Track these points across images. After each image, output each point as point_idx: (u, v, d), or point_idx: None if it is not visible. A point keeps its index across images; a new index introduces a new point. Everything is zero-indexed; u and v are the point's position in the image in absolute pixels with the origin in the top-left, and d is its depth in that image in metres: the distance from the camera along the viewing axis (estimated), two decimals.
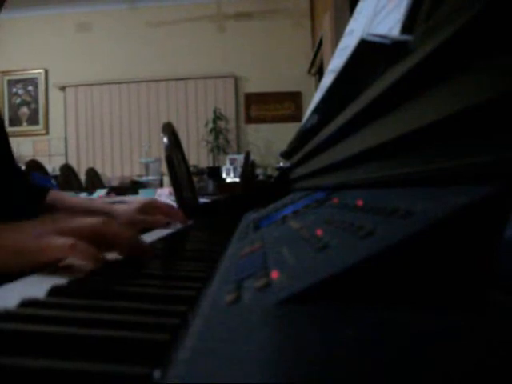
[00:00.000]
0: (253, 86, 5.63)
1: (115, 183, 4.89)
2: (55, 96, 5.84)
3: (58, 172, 4.52)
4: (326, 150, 0.71)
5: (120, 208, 0.93)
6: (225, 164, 4.97)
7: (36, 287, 0.34)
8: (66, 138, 5.82)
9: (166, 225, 0.93)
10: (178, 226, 0.97)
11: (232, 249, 0.49)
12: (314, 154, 0.82)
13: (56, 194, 0.97)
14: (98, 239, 0.45)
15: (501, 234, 0.20)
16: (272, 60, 5.50)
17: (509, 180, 0.21)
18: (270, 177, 4.74)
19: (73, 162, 5.37)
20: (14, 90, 5.87)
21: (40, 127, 5.86)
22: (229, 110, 5.61)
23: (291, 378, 0.15)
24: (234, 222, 0.89)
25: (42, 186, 0.98)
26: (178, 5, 5.64)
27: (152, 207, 0.94)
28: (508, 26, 0.21)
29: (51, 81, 5.83)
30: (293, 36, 5.52)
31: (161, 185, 4.24)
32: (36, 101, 5.88)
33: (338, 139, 0.60)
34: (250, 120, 5.67)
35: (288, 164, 1.35)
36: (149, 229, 0.90)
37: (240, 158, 4.70)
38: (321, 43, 4.26)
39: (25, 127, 5.85)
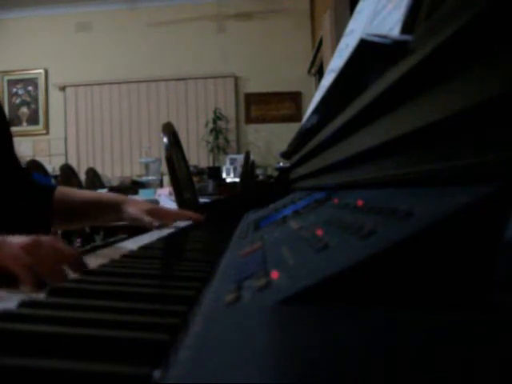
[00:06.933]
0: (253, 86, 5.63)
1: (115, 183, 4.88)
2: (55, 96, 5.83)
3: (58, 172, 4.52)
4: (325, 150, 0.71)
5: (131, 201, 0.93)
6: (225, 164, 4.96)
7: None
8: (65, 138, 5.82)
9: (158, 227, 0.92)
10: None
11: (232, 249, 0.49)
12: (313, 154, 0.82)
13: (63, 191, 0.96)
14: None
15: (501, 234, 0.20)
16: (272, 60, 5.49)
17: (509, 180, 0.21)
18: (270, 177, 4.73)
19: (73, 162, 5.36)
20: (14, 90, 5.87)
21: (40, 127, 5.85)
22: (229, 110, 5.61)
23: (291, 378, 0.15)
24: (234, 221, 0.89)
25: (47, 185, 0.98)
26: (178, 5, 5.63)
27: (160, 213, 0.94)
28: (508, 26, 0.21)
29: (51, 81, 5.82)
30: (293, 36, 5.51)
31: (161, 185, 4.23)
32: (36, 101, 5.87)
33: (338, 139, 0.60)
34: (250, 120, 5.66)
35: (288, 164, 1.35)
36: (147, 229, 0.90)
37: (240, 157, 4.70)
38: (321, 43, 4.26)
39: (25, 127, 5.85)
